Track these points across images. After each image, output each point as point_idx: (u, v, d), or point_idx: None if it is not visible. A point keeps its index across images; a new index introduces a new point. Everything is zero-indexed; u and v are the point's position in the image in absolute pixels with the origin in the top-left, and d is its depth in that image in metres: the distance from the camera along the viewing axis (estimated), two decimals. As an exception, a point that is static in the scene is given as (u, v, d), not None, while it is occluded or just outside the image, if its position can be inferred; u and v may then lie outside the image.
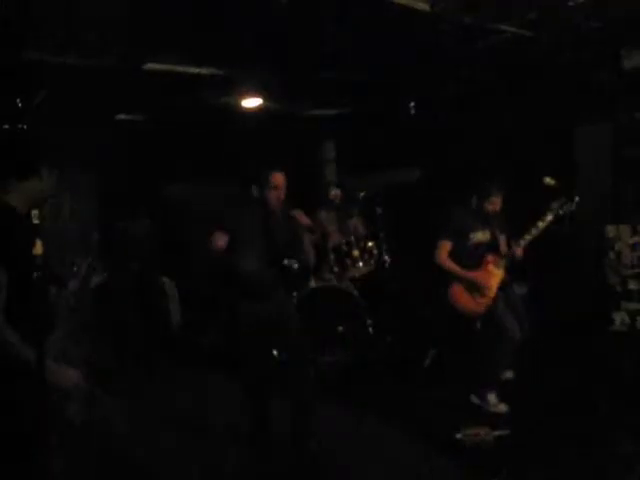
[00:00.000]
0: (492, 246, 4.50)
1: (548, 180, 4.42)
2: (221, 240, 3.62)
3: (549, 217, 4.34)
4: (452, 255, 4.45)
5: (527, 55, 5.41)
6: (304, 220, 3.82)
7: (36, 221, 2.03)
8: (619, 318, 5.40)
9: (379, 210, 5.94)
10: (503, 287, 4.52)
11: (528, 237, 4.36)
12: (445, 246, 4.45)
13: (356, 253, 5.65)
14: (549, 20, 4.63)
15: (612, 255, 5.48)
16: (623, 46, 5.36)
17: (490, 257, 4.43)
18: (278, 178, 3.70)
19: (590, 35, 4.97)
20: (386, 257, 5.80)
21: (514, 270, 4.66)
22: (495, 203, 4.41)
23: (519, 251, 4.38)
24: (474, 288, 4.40)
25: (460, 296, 4.46)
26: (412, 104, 7.13)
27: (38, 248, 1.67)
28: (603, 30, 4.87)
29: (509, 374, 4.77)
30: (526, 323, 4.51)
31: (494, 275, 4.40)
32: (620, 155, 5.64)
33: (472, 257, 4.43)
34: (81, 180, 7.17)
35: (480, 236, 4.47)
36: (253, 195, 3.76)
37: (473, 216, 4.48)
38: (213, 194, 7.65)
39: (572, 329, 5.46)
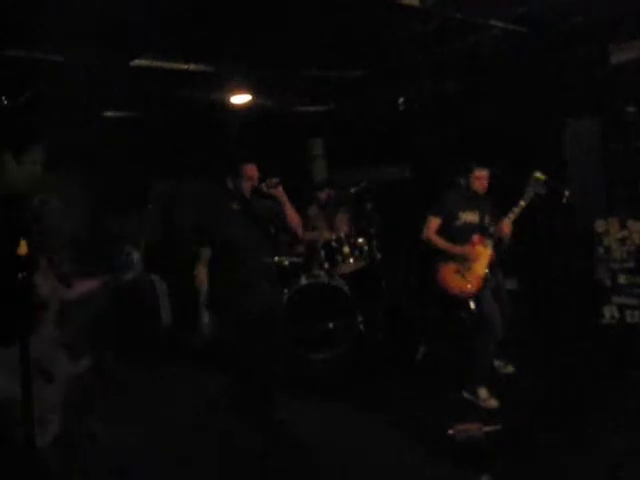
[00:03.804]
0: (479, 229, 4.49)
1: (538, 175, 4.42)
2: (202, 275, 3.84)
3: (530, 194, 4.33)
4: (441, 235, 4.47)
5: (516, 50, 5.41)
6: (280, 192, 3.86)
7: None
8: (609, 312, 5.43)
9: (369, 206, 5.93)
10: (496, 279, 4.53)
11: (512, 215, 4.35)
12: (433, 222, 4.48)
13: (346, 249, 5.65)
14: (538, 15, 4.63)
15: (601, 249, 5.51)
16: (610, 42, 5.38)
17: (477, 237, 4.42)
18: (251, 169, 3.86)
19: (578, 30, 4.98)
20: (377, 253, 5.80)
21: (505, 262, 4.66)
22: (481, 177, 4.41)
23: (506, 227, 4.35)
24: (463, 266, 4.38)
25: (449, 277, 4.43)
26: (401, 100, 7.12)
27: (23, 248, 1.63)
28: (591, 26, 4.88)
29: (510, 368, 4.79)
30: (508, 317, 4.50)
31: (481, 253, 4.38)
32: (609, 149, 5.66)
33: (460, 237, 4.42)
34: (69, 178, 7.10)
35: (469, 217, 4.48)
36: (228, 188, 3.91)
37: (463, 197, 4.50)
38: (201, 191, 7.63)
39: (562, 323, 5.49)
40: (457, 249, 4.40)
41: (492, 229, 4.47)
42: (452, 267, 4.43)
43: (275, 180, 3.81)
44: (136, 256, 2.51)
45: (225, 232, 3.88)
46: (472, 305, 4.48)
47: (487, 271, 4.37)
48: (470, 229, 4.46)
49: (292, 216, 3.94)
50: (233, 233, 3.87)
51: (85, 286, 2.44)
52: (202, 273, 3.87)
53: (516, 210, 4.35)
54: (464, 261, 4.39)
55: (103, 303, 2.40)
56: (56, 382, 2.12)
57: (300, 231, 4.07)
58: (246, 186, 3.85)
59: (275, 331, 3.95)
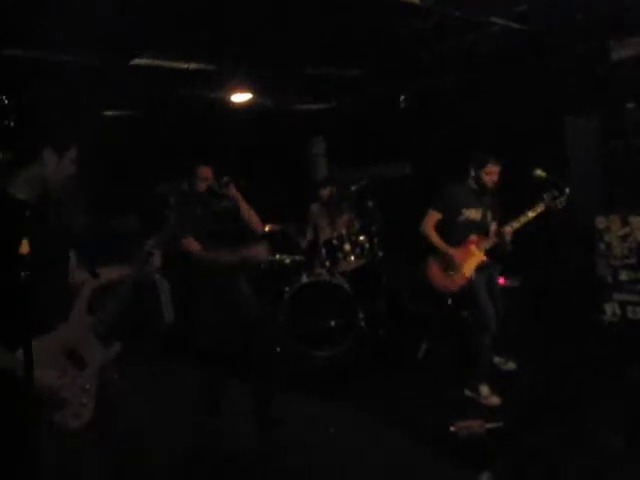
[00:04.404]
0: (481, 227, 4.49)
1: (539, 172, 4.42)
2: (194, 246, 3.83)
3: (540, 208, 4.34)
4: (441, 229, 4.46)
5: (516, 47, 5.41)
6: (233, 192, 3.87)
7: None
8: (610, 309, 5.43)
9: (370, 203, 5.93)
10: (488, 273, 4.53)
11: (516, 224, 4.35)
12: (433, 216, 4.46)
13: (347, 247, 5.65)
14: (538, 12, 4.63)
15: (602, 246, 5.50)
16: (611, 38, 5.38)
17: (474, 237, 4.42)
18: (205, 171, 3.92)
19: (578, 27, 4.98)
20: (378, 251, 5.80)
21: (506, 262, 4.67)
22: (492, 173, 4.38)
23: (508, 231, 4.34)
24: (449, 264, 4.40)
25: (436, 272, 4.49)
26: (402, 97, 7.12)
27: (24, 247, 1.63)
28: (591, 22, 4.88)
29: (511, 365, 4.80)
30: (501, 312, 4.49)
31: (473, 255, 4.39)
32: (610, 146, 5.65)
33: (459, 234, 4.42)
34: (70, 178, 7.10)
35: (472, 214, 4.44)
36: (185, 190, 3.97)
37: (468, 193, 4.46)
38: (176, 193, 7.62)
39: (563, 320, 5.49)
40: (448, 250, 4.39)
41: (493, 228, 4.48)
42: (441, 264, 4.46)
43: (226, 179, 3.84)
44: (157, 254, 2.56)
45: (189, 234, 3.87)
46: (449, 301, 4.66)
47: (474, 273, 4.38)
48: (471, 226, 4.44)
49: (247, 214, 3.94)
50: (196, 235, 3.85)
51: (110, 274, 2.48)
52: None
53: (522, 219, 4.34)
54: (451, 259, 4.41)
55: (127, 294, 2.43)
56: (89, 368, 2.18)
57: (260, 227, 4.06)
58: (201, 186, 3.88)
59: (258, 330, 3.92)
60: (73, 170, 2.23)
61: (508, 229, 4.35)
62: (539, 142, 5.85)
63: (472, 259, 4.39)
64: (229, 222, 4.00)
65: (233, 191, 3.87)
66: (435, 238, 4.44)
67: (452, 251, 4.39)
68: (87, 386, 2.15)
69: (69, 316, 2.15)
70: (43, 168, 2.11)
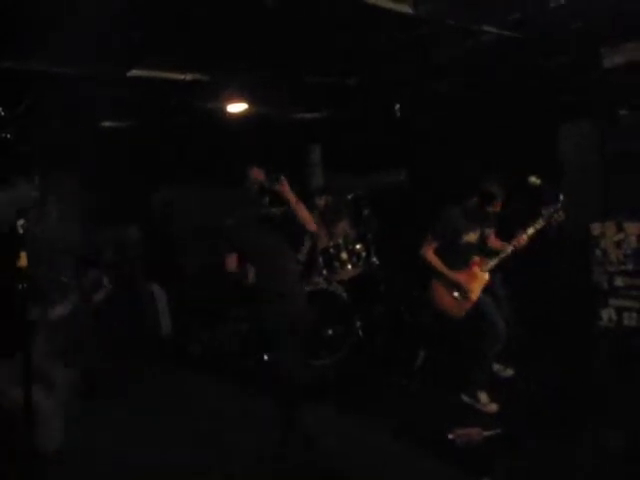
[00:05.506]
0: (480, 247, 4.51)
1: (533, 179, 4.44)
2: (232, 263, 3.83)
3: (539, 224, 4.35)
4: (441, 252, 4.46)
5: (510, 56, 5.45)
6: (285, 189, 3.73)
7: (21, 231, 1.99)
8: (606, 315, 5.44)
9: (366, 212, 5.95)
10: (491, 285, 4.54)
11: (525, 237, 4.35)
12: (432, 243, 4.46)
13: (344, 256, 5.67)
14: (531, 21, 4.67)
15: (598, 252, 5.52)
16: (603, 45, 5.42)
17: (477, 259, 4.44)
18: (257, 172, 3.90)
19: (571, 35, 5.02)
20: (374, 259, 5.81)
21: (501, 269, 4.69)
22: (498, 205, 4.41)
23: (522, 240, 4.34)
24: (456, 289, 4.41)
25: (441, 295, 4.49)
26: (397, 106, 7.15)
27: (23, 260, 1.64)
28: (583, 30, 4.92)
29: (509, 372, 4.80)
30: (511, 321, 4.51)
31: (478, 278, 4.40)
32: (604, 152, 5.68)
33: (460, 256, 4.44)
34: (69, 188, 7.13)
35: (471, 237, 4.47)
36: (241, 195, 3.93)
37: (468, 217, 4.46)
38: (201, 200, 7.66)
39: (560, 327, 5.50)
40: (453, 276, 4.40)
41: (492, 237, 4.49)
42: (445, 285, 4.45)
43: (276, 175, 3.71)
44: (105, 279, 2.60)
45: (245, 239, 3.86)
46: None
47: (479, 295, 4.38)
48: (471, 249, 4.47)
49: (301, 212, 3.75)
50: (252, 240, 3.84)
51: (60, 310, 2.51)
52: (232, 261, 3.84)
53: (530, 232, 4.35)
54: (458, 285, 4.41)
55: (83, 319, 2.47)
56: (56, 389, 2.18)
57: (312, 226, 3.87)
58: (254, 189, 3.87)
59: (301, 337, 3.90)
60: (30, 199, 2.23)
61: (522, 239, 4.34)
62: (533, 149, 5.88)
63: (477, 282, 4.40)
64: (288, 227, 3.90)
65: (286, 187, 3.70)
66: (437, 262, 4.44)
67: (457, 276, 4.39)
68: (54, 407, 2.14)
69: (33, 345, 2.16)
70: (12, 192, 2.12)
